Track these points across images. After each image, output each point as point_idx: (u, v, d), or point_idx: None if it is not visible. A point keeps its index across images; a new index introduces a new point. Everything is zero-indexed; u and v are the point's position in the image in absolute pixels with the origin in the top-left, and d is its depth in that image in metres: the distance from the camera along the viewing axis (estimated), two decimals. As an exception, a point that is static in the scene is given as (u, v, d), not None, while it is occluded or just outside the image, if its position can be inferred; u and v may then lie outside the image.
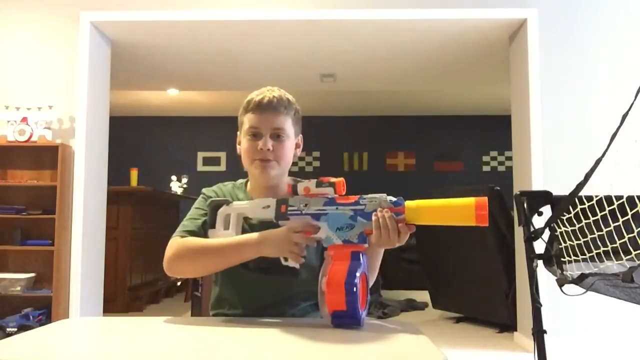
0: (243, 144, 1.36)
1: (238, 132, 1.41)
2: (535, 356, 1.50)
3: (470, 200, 1.03)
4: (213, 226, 1.22)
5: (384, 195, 1.11)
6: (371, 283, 1.33)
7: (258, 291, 1.32)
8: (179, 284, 5.73)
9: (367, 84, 5.55)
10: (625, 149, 3.64)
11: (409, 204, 1.09)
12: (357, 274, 1.04)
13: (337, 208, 1.12)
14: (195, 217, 1.33)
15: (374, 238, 1.11)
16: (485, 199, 1.03)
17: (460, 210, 1.04)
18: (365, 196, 1.11)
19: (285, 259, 1.16)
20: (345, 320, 1.05)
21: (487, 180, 6.82)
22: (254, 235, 1.20)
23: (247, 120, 1.35)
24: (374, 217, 1.09)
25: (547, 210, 1.57)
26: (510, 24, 3.82)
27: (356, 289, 1.02)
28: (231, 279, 1.35)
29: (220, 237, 1.20)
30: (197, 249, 1.25)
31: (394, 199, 1.10)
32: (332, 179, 1.12)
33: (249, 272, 1.31)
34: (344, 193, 1.13)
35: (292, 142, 1.38)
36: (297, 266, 1.16)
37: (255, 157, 1.33)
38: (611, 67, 3.62)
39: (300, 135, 1.43)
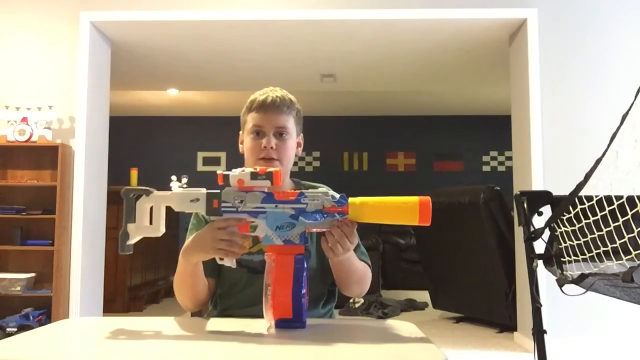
0: (246, 142, 1.37)
1: (240, 132, 1.43)
2: (535, 356, 1.50)
3: (414, 200, 1.02)
4: (132, 220, 1.08)
5: (327, 191, 1.06)
6: (364, 287, 1.35)
7: (252, 290, 1.32)
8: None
9: (367, 84, 5.55)
10: (625, 149, 3.65)
11: (352, 201, 1.05)
12: (303, 282, 1.02)
13: (276, 206, 1.05)
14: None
15: (327, 255, 1.12)
16: (429, 198, 1.02)
17: (403, 209, 1.03)
18: (306, 193, 1.05)
19: (221, 259, 1.09)
20: (290, 325, 1.04)
21: (487, 180, 6.81)
22: (182, 249, 1.19)
23: (250, 119, 1.37)
24: (323, 239, 1.08)
25: (547, 210, 1.57)
26: (510, 24, 3.82)
27: (303, 298, 1.02)
28: (227, 279, 1.36)
29: (144, 233, 1.08)
30: (175, 283, 1.29)
31: (337, 196, 1.06)
32: (269, 169, 1.04)
33: (243, 270, 1.32)
34: (281, 185, 1.07)
35: (294, 141, 1.39)
36: (234, 265, 1.09)
37: (259, 155, 1.34)
38: (611, 67, 3.62)
39: (302, 134, 1.44)
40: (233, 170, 1.06)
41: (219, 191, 1.07)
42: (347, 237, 1.08)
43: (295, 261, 1.03)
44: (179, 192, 1.09)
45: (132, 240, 1.09)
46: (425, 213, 1.01)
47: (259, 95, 1.37)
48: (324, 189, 1.12)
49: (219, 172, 1.05)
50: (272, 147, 1.33)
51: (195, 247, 1.15)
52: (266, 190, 1.06)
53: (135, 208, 1.08)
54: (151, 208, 1.09)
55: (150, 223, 1.09)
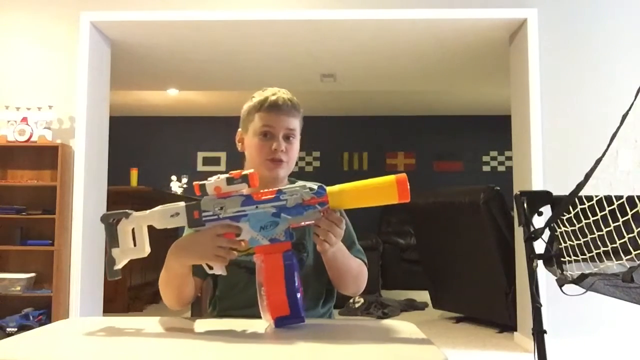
0: (254, 142, 1.35)
1: (240, 130, 1.41)
2: (535, 356, 1.50)
3: (391, 178, 1.03)
4: (116, 244, 1.08)
5: (305, 184, 1.06)
6: (360, 285, 1.34)
7: (252, 291, 1.32)
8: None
9: (367, 84, 5.55)
10: (625, 149, 3.64)
11: (331, 189, 1.05)
12: (295, 277, 1.03)
13: (257, 207, 1.05)
14: None
15: (322, 248, 1.12)
16: (405, 175, 1.03)
17: (382, 189, 1.03)
18: (284, 189, 1.05)
19: (210, 267, 1.09)
20: (289, 321, 1.04)
21: (487, 180, 6.81)
22: (172, 245, 1.17)
23: (259, 119, 1.34)
24: (314, 235, 1.09)
25: (547, 210, 1.57)
26: (510, 24, 3.82)
27: (298, 293, 1.02)
28: (226, 279, 1.35)
29: (129, 256, 1.08)
30: (162, 281, 1.26)
31: (314, 187, 1.06)
32: (244, 172, 1.04)
33: (242, 271, 1.32)
34: (258, 186, 1.05)
35: (298, 143, 1.39)
36: (224, 272, 1.10)
37: (268, 157, 1.33)
38: (611, 66, 3.62)
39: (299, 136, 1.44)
40: (209, 179, 1.05)
41: (197, 202, 1.06)
42: (336, 224, 1.09)
43: (284, 258, 1.04)
44: (158, 210, 1.08)
45: (119, 265, 1.09)
46: (403, 190, 1.02)
47: (270, 95, 1.35)
48: (301, 182, 1.12)
49: (194, 183, 1.05)
50: (282, 150, 1.32)
51: (192, 251, 1.12)
52: (244, 193, 1.06)
53: (116, 233, 1.08)
54: (133, 229, 1.09)
55: (135, 245, 1.08)
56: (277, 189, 1.06)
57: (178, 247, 1.16)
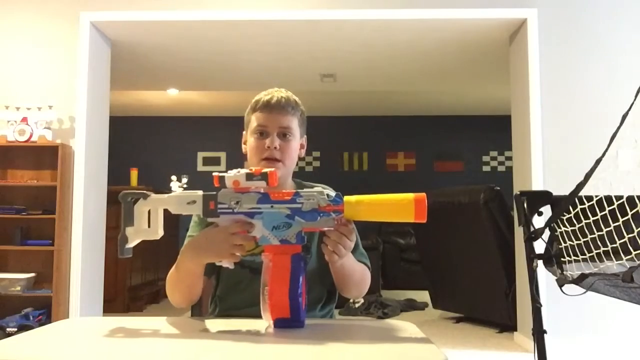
0: (250, 142, 1.37)
1: (244, 132, 1.42)
2: (535, 356, 1.50)
3: (409, 196, 1.02)
4: (130, 223, 1.09)
5: (322, 190, 1.06)
6: (362, 289, 1.35)
7: (254, 290, 1.32)
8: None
9: (367, 84, 5.55)
10: (625, 149, 3.64)
11: (348, 199, 1.04)
12: (300, 281, 1.03)
13: (272, 206, 1.05)
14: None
15: (331, 259, 1.12)
16: (424, 194, 1.01)
17: (399, 206, 1.02)
18: (301, 193, 1.05)
19: (220, 260, 1.11)
20: (288, 324, 1.04)
21: (487, 180, 6.81)
22: (186, 244, 1.18)
23: (254, 119, 1.36)
24: (323, 245, 1.09)
25: (547, 210, 1.57)
26: (510, 24, 3.82)
27: (300, 297, 1.02)
28: (228, 278, 1.36)
29: (142, 236, 1.10)
30: (171, 280, 1.27)
31: (332, 194, 1.05)
32: (265, 170, 1.04)
33: (245, 270, 1.32)
34: (276, 185, 1.05)
35: (297, 142, 1.39)
36: (231, 266, 1.11)
37: (262, 156, 1.33)
38: (611, 67, 3.62)
39: (305, 136, 1.44)
40: (229, 171, 1.06)
41: (215, 193, 1.07)
42: (346, 236, 1.09)
43: (292, 260, 1.04)
44: (175, 195, 1.09)
45: (131, 244, 1.10)
46: (420, 210, 1.00)
47: (263, 96, 1.37)
48: (319, 188, 1.12)
49: (214, 173, 1.06)
50: (275, 147, 1.32)
51: (208, 250, 1.12)
52: (262, 190, 1.06)
53: (133, 211, 1.09)
54: (149, 211, 1.09)
55: (149, 226, 1.09)
56: (294, 191, 1.06)
57: (193, 247, 1.17)
